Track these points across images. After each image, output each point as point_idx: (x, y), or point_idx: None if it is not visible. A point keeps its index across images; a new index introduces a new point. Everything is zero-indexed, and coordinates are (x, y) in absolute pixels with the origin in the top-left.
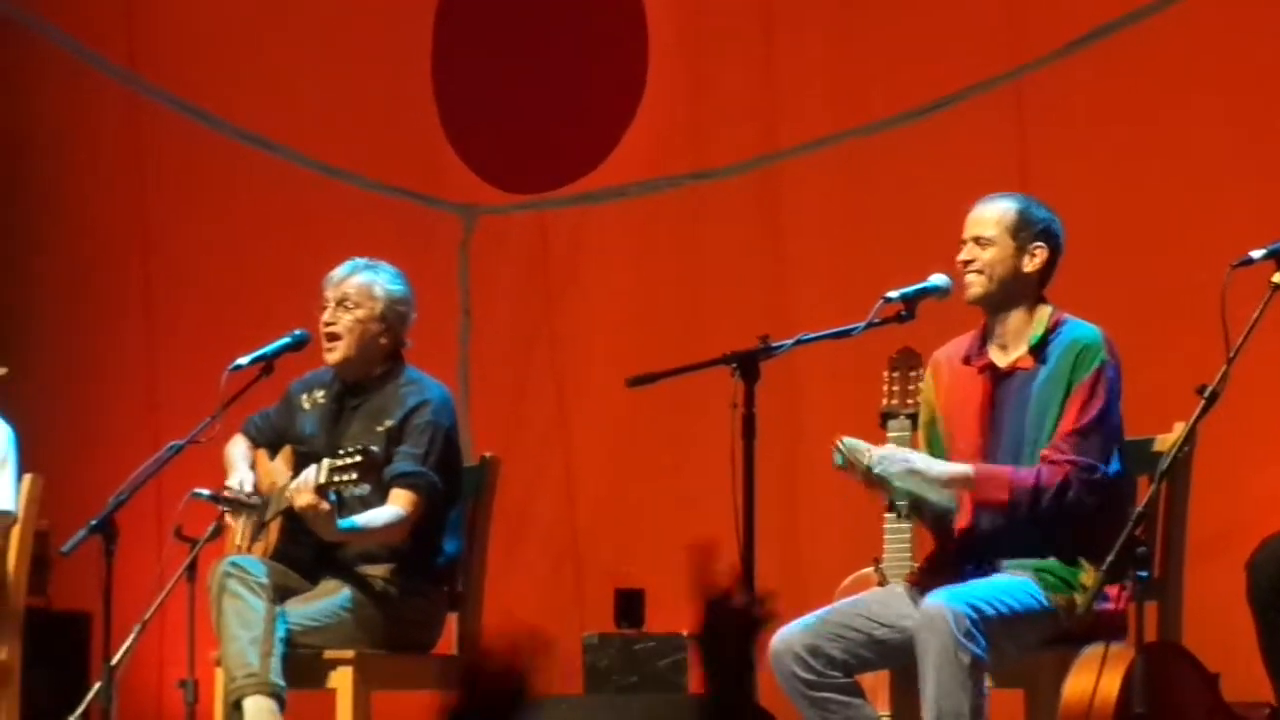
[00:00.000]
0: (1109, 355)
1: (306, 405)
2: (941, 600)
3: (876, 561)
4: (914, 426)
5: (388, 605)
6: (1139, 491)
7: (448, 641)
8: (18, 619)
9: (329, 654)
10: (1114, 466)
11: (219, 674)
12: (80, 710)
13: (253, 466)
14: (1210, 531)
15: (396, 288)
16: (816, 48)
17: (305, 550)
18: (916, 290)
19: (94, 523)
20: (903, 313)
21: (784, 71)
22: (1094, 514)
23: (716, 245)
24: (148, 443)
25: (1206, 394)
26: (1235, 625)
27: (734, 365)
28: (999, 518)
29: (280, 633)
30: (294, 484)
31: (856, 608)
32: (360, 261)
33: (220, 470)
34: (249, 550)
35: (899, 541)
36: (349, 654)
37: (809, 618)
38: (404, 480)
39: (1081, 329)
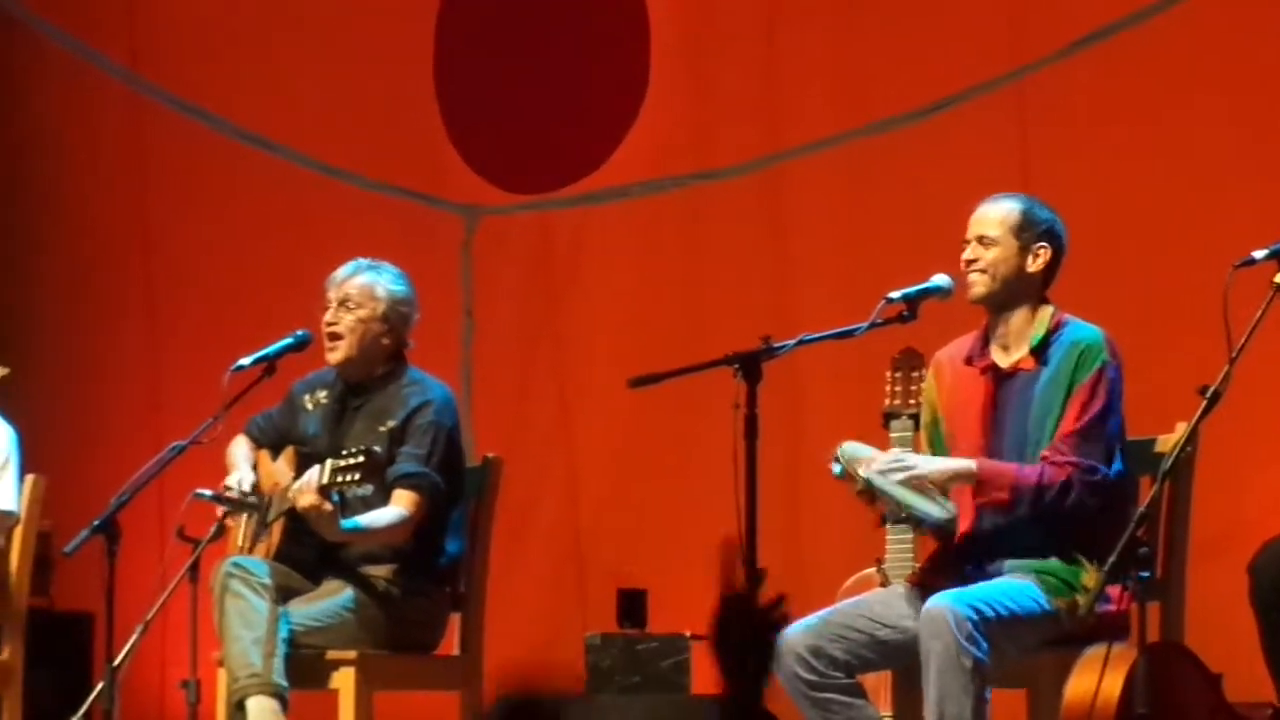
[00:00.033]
0: (1110, 356)
1: (309, 406)
2: (944, 603)
3: (879, 562)
4: (916, 427)
5: (390, 606)
6: (1141, 492)
7: (450, 642)
8: (20, 619)
9: (331, 654)
10: (1116, 467)
11: (221, 674)
12: (83, 710)
13: (255, 467)
14: (1212, 532)
15: (399, 288)
16: (819, 48)
17: (308, 551)
18: (919, 291)
19: (96, 523)
20: (905, 313)
21: (786, 72)
22: (1096, 514)
23: (719, 246)
24: (150, 443)
25: (1209, 394)
26: (1238, 625)
27: (736, 366)
28: (1000, 519)
29: (283, 633)
30: (297, 485)
31: (859, 608)
32: (363, 262)
33: (223, 471)
34: (251, 551)
35: (901, 542)
36: (351, 654)
37: (811, 618)
38: (407, 481)
39: (1083, 330)
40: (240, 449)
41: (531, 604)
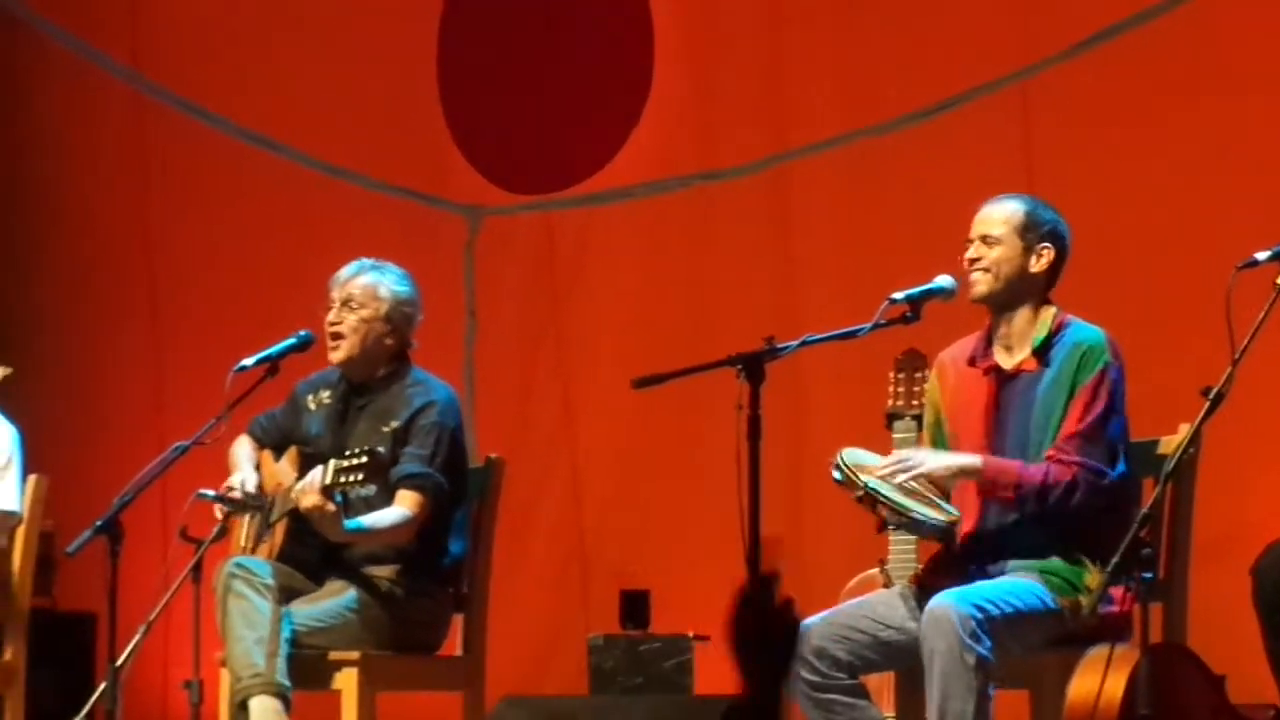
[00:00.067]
0: (1113, 357)
1: (312, 406)
2: (948, 602)
3: (882, 563)
4: (919, 428)
5: (393, 606)
6: (1144, 493)
7: (453, 642)
8: (23, 619)
9: (334, 655)
10: (1119, 469)
11: (224, 674)
12: (85, 711)
13: (257, 467)
14: (1215, 533)
15: (402, 288)
16: (823, 48)
17: (311, 551)
18: (922, 291)
19: (99, 523)
20: (908, 314)
21: (790, 72)
22: (1099, 515)
23: (722, 246)
24: (153, 443)
25: (1211, 395)
26: (1240, 627)
27: (739, 366)
28: (1003, 520)
29: (285, 633)
30: (300, 485)
31: (862, 609)
32: (367, 262)
33: (225, 471)
34: (254, 551)
35: (904, 543)
36: (354, 655)
37: (814, 619)
38: (410, 481)
39: (1085, 331)
40: (243, 449)
41: (534, 604)
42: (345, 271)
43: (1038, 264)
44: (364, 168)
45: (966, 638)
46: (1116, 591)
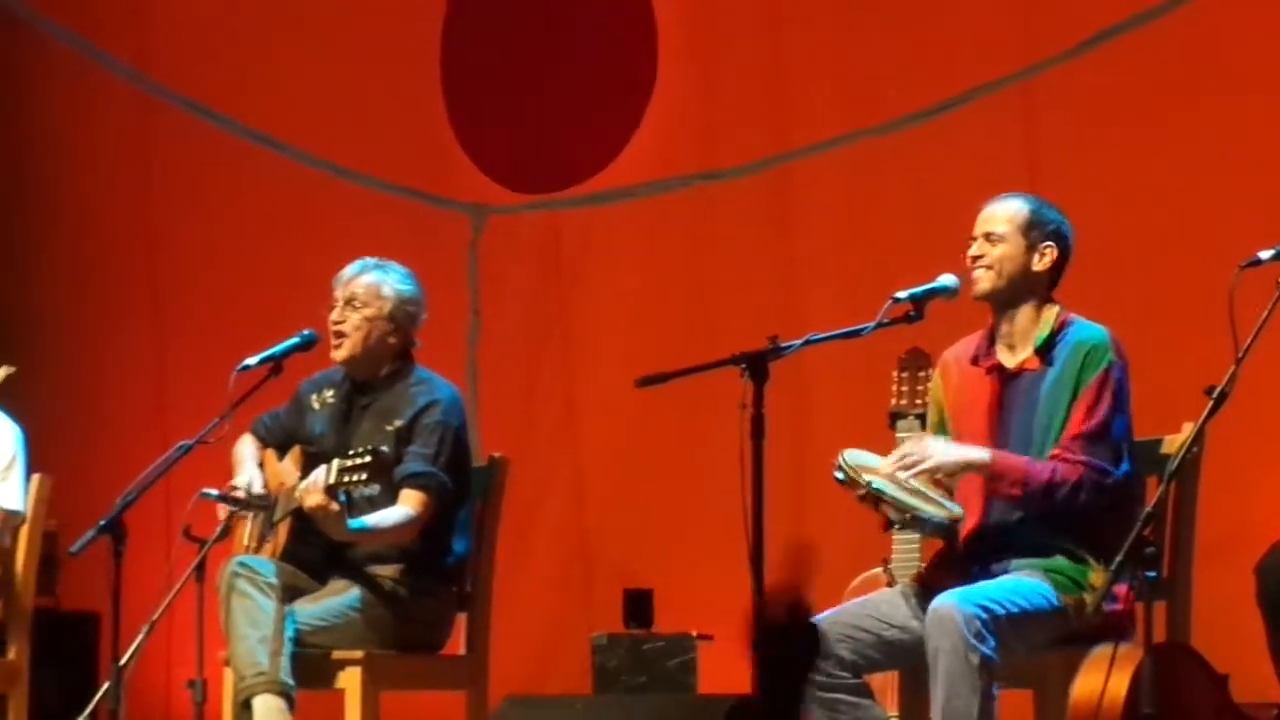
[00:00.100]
0: (1116, 356)
1: (316, 405)
2: (952, 601)
3: (885, 562)
4: (923, 427)
5: (397, 605)
6: (1148, 492)
7: (456, 642)
8: (26, 619)
9: (337, 654)
10: (1124, 468)
11: (228, 673)
12: (89, 710)
13: (261, 466)
14: (1219, 532)
15: (406, 287)
16: (825, 48)
17: (314, 550)
18: (925, 290)
19: (103, 523)
20: (911, 313)
21: (793, 72)
22: (1102, 514)
23: (726, 245)
24: (156, 443)
25: (1215, 394)
26: (1244, 626)
27: (743, 366)
28: (1006, 518)
29: (289, 632)
30: (303, 484)
31: (866, 608)
32: (370, 261)
33: (229, 470)
34: (258, 550)
35: (908, 542)
36: (358, 654)
37: (818, 618)
38: (414, 480)
39: (1088, 330)
40: (246, 448)
41: (538, 604)
42: (348, 270)
43: (1040, 263)
44: (367, 167)
45: (971, 638)
46: (1120, 590)
